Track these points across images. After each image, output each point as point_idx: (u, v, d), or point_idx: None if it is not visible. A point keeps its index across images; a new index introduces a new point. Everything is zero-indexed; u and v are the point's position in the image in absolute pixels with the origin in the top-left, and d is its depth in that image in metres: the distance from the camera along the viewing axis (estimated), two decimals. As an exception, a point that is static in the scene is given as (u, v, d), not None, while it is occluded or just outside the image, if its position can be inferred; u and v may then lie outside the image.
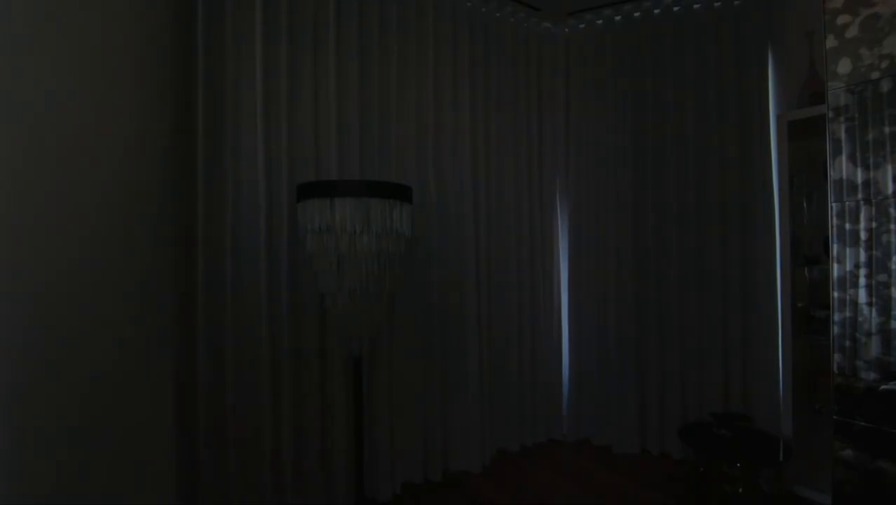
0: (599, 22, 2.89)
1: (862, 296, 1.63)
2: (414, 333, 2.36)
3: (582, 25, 2.94)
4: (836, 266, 1.69)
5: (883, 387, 1.58)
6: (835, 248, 1.70)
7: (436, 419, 2.44)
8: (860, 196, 1.64)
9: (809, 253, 2.29)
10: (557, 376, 2.99)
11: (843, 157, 1.68)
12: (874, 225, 1.61)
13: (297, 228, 2.00)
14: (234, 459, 1.85)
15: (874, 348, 1.60)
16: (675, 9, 2.73)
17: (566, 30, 3.01)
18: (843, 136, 1.68)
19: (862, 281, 1.63)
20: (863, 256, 1.63)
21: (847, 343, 1.66)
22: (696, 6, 2.71)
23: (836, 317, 1.69)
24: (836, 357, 1.69)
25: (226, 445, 1.84)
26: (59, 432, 1.25)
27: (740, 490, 2.07)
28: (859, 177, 1.63)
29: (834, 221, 1.70)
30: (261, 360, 1.92)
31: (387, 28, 2.30)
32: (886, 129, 1.57)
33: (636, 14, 2.81)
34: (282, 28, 1.99)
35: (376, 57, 2.26)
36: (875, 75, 1.59)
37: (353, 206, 1.62)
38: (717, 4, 2.66)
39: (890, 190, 1.57)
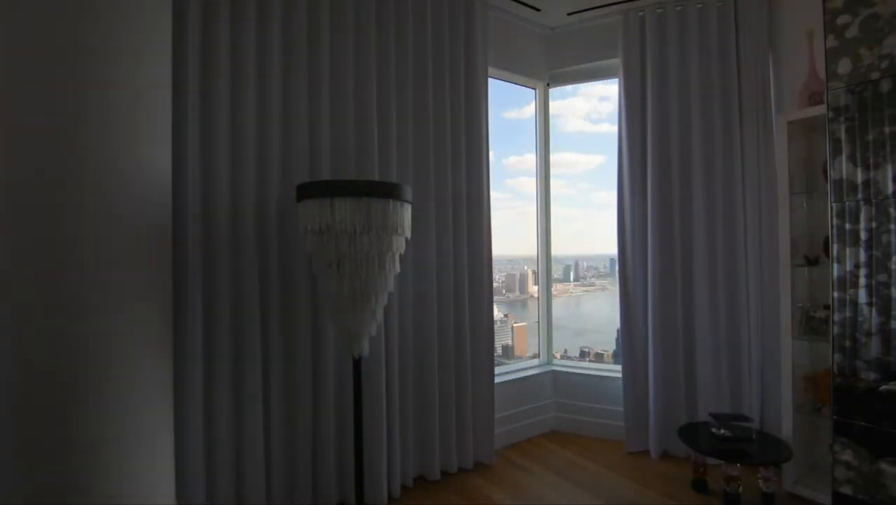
0: (608, 19, 2.89)
1: (862, 296, 1.63)
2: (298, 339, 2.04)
3: (592, 24, 2.95)
4: (836, 266, 1.70)
5: (883, 387, 1.58)
6: (835, 248, 1.70)
7: (333, 438, 2.11)
8: (860, 196, 1.64)
9: (809, 253, 2.29)
10: (489, 393, 2.61)
11: (843, 157, 1.68)
12: (874, 225, 1.61)
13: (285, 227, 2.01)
14: (226, 459, 1.85)
15: (874, 348, 1.60)
16: (677, 8, 2.73)
17: (567, 28, 3.01)
18: (843, 136, 1.68)
19: (862, 281, 1.63)
20: (863, 256, 1.63)
21: (847, 343, 1.67)
22: (697, 6, 2.71)
23: (836, 317, 1.70)
24: (836, 357, 1.69)
25: (219, 445, 1.84)
26: (59, 431, 1.25)
27: (740, 490, 2.07)
28: (859, 177, 1.63)
29: (834, 221, 1.70)
30: (253, 360, 1.93)
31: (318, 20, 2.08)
32: (886, 129, 1.57)
33: (640, 13, 2.81)
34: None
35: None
36: (875, 75, 1.59)
37: (353, 206, 1.62)
38: (718, 5, 2.66)
39: (890, 190, 1.57)
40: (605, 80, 3.22)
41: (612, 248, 3.04)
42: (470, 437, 2.54)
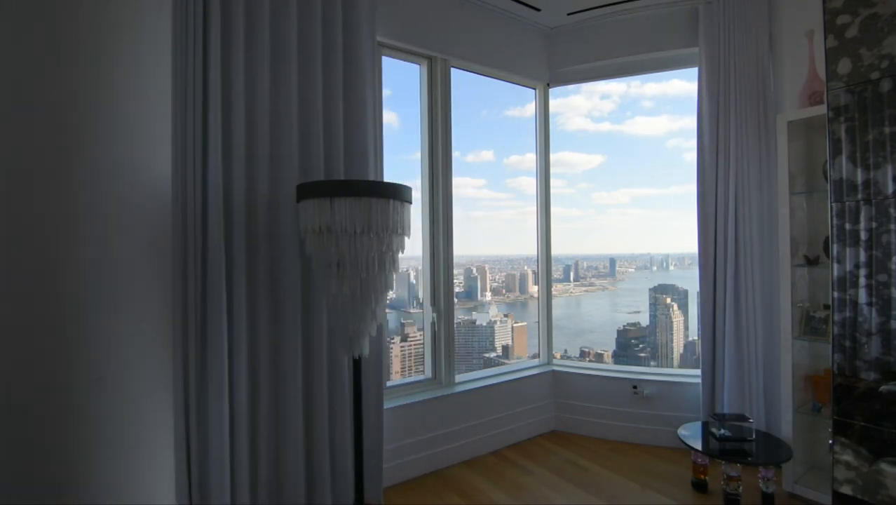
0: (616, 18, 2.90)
1: (862, 296, 1.63)
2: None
3: (592, 23, 2.95)
4: (836, 266, 1.69)
5: (883, 387, 1.58)
6: (835, 248, 1.70)
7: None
8: (860, 196, 1.63)
9: (809, 253, 2.29)
10: (376, 421, 2.19)
11: (843, 157, 1.67)
12: (874, 225, 1.60)
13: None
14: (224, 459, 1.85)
15: (874, 348, 1.60)
16: (676, 9, 2.73)
17: (568, 28, 3.01)
18: (843, 136, 1.67)
19: (862, 281, 1.63)
20: (863, 256, 1.63)
21: (847, 343, 1.66)
22: (698, 6, 2.71)
23: (836, 317, 1.69)
24: (836, 357, 1.68)
25: (217, 445, 1.83)
26: (59, 431, 1.25)
27: (740, 490, 2.08)
28: (859, 177, 1.63)
29: (834, 221, 1.70)
30: (242, 361, 1.92)
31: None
32: (886, 129, 1.57)
33: (646, 11, 2.82)
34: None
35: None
36: (875, 75, 1.59)
37: (353, 206, 1.62)
38: (718, 4, 2.66)
39: (890, 190, 1.57)
40: (606, 80, 3.22)
41: (611, 249, 3.04)
42: (349, 474, 2.12)
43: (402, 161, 2.75)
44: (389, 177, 2.51)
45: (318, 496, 2.05)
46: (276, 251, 1.98)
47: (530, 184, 3.33)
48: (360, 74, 2.20)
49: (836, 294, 1.69)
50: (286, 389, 1.99)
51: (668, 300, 3.35)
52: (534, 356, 3.33)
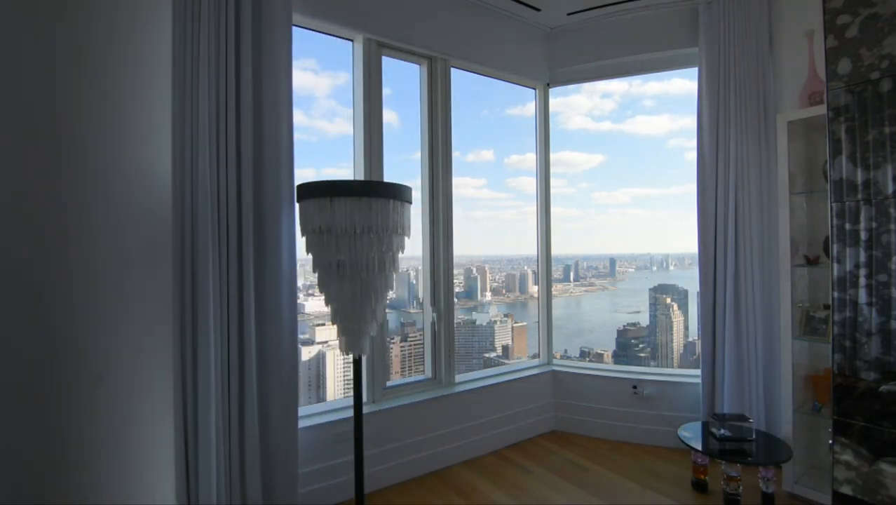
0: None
1: (862, 296, 1.63)
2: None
3: (592, 23, 2.95)
4: (836, 266, 1.69)
5: (883, 387, 1.58)
6: (835, 248, 1.70)
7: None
8: (860, 196, 1.63)
9: (809, 253, 2.29)
10: (289, 439, 1.99)
11: (843, 158, 1.67)
12: (874, 225, 1.60)
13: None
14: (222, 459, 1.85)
15: (874, 348, 1.60)
16: (676, 9, 2.73)
17: (568, 28, 3.01)
18: (843, 136, 1.67)
19: (862, 281, 1.63)
20: (863, 256, 1.63)
21: (847, 343, 1.66)
22: (698, 5, 2.71)
23: (836, 317, 1.69)
24: (836, 357, 1.68)
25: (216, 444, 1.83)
26: (59, 430, 1.25)
27: (740, 490, 2.08)
28: (859, 177, 1.63)
29: (834, 221, 1.70)
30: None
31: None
32: (886, 129, 1.57)
33: (646, 12, 2.82)
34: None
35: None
36: (875, 75, 1.59)
37: (353, 206, 1.62)
38: (718, 4, 2.66)
39: (890, 190, 1.57)
40: (606, 80, 3.22)
41: (611, 249, 3.03)
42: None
43: (402, 161, 2.76)
44: (389, 177, 2.51)
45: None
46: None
47: (530, 184, 3.33)
48: (271, 61, 1.96)
49: (836, 294, 1.69)
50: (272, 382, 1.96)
51: (668, 300, 3.35)
52: (534, 356, 3.33)
